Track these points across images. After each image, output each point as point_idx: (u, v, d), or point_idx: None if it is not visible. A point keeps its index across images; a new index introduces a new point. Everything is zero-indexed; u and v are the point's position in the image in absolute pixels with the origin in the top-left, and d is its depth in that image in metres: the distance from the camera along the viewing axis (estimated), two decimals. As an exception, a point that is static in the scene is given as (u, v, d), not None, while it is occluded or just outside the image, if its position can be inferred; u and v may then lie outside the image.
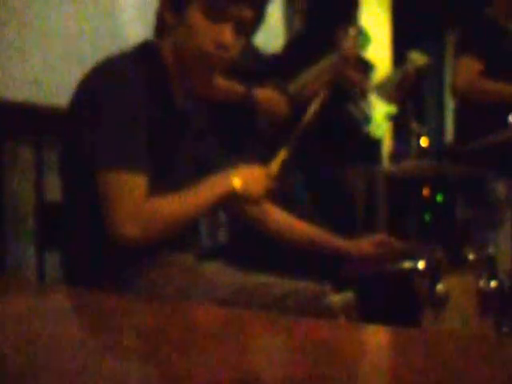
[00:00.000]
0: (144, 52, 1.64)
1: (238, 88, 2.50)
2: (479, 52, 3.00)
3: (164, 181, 1.57)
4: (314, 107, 2.03)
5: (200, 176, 1.62)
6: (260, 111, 2.53)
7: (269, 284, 1.50)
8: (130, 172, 1.48)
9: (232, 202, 1.64)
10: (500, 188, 2.94)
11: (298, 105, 2.64)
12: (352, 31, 2.79)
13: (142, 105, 1.53)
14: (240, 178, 1.59)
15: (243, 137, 2.50)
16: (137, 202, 1.48)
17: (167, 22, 1.62)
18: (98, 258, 1.57)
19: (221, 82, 2.37)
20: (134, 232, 1.47)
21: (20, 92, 2.63)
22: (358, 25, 2.92)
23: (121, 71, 1.56)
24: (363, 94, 2.96)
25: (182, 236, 1.65)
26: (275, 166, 1.72)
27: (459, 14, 3.56)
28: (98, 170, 1.50)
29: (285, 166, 1.74)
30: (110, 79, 1.55)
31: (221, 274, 1.58)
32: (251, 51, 2.71)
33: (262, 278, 1.54)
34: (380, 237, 1.97)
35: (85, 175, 1.53)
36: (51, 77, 2.72)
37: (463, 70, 3.07)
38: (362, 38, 2.81)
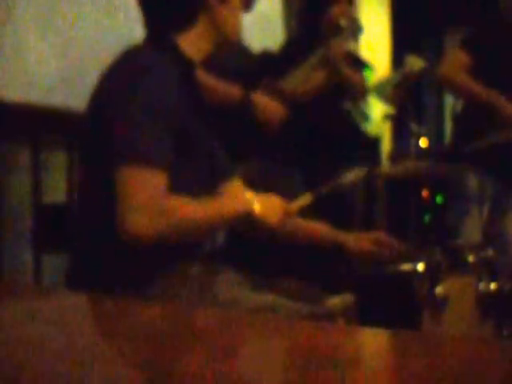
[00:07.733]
0: (162, 45, 1.62)
1: (236, 92, 2.48)
2: (473, 48, 2.99)
3: (195, 174, 1.56)
4: (351, 178, 2.00)
5: (214, 174, 1.62)
6: (257, 116, 2.52)
7: (276, 306, 1.49)
8: (147, 168, 1.45)
9: (246, 223, 1.62)
10: (474, 184, 2.99)
11: (292, 103, 2.64)
12: (343, 23, 2.77)
13: (171, 97, 1.51)
14: (260, 203, 1.59)
15: (243, 141, 2.49)
16: (151, 196, 1.45)
17: (211, 4, 1.64)
18: (111, 265, 1.54)
19: (218, 86, 2.36)
20: (142, 224, 1.43)
21: (18, 92, 2.63)
22: (349, 15, 2.87)
23: (147, 63, 1.54)
24: (361, 94, 2.96)
25: (195, 245, 1.63)
26: (295, 206, 1.73)
27: (468, 13, 3.57)
28: (116, 166, 1.47)
29: (304, 209, 1.75)
30: (135, 71, 1.53)
31: (232, 289, 1.57)
32: (242, 50, 2.71)
33: (269, 299, 1.53)
34: (379, 235, 1.96)
35: (106, 174, 1.49)
36: (49, 77, 2.72)
37: (450, 60, 3.14)
38: (354, 27, 2.79)
